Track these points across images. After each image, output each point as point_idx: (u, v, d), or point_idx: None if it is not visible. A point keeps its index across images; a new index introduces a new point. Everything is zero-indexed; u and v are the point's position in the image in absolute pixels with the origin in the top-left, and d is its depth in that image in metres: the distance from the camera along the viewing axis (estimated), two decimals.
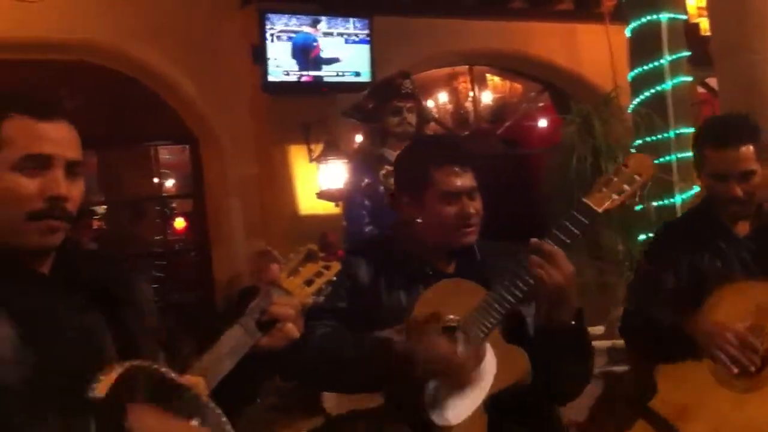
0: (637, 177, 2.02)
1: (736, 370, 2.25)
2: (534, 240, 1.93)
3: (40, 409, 1.32)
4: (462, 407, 1.91)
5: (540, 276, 1.88)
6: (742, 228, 2.51)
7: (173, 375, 1.44)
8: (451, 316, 1.97)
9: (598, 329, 4.45)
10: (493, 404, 1.93)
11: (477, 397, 1.92)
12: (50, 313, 1.48)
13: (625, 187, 2.01)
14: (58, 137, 1.50)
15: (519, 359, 1.95)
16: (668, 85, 4.63)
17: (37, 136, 1.48)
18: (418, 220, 2.13)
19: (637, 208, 4.61)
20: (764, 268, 2.41)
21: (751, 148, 2.41)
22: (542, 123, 8.42)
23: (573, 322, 1.93)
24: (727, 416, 2.24)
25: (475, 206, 2.11)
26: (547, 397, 2.05)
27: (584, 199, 1.99)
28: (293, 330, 1.63)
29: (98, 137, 6.08)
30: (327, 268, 1.72)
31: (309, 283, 1.70)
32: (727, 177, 2.42)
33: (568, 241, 1.94)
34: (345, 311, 2.08)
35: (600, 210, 1.98)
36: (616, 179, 2.02)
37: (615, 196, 2.00)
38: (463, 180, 2.10)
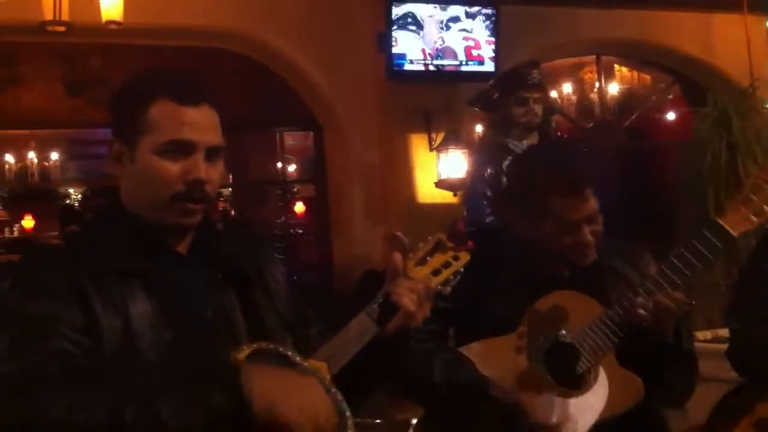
0: None
1: None
2: (660, 273, 1.85)
3: (171, 384, 1.35)
4: (570, 428, 1.86)
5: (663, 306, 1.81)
6: None
7: (298, 358, 1.47)
8: (565, 332, 1.91)
9: (725, 332, 4.26)
10: (601, 429, 1.87)
11: (582, 423, 1.86)
12: (186, 292, 1.54)
13: (767, 208, 1.82)
14: (201, 123, 1.55)
15: (633, 386, 1.87)
16: None
17: (181, 122, 1.53)
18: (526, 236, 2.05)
19: None
20: None
21: None
22: (671, 116, 8.12)
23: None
24: None
25: (596, 231, 1.99)
26: (653, 406, 1.98)
27: (719, 220, 1.83)
28: (416, 318, 1.62)
29: (228, 121, 6.25)
30: (456, 258, 1.70)
31: (437, 273, 1.68)
32: None
33: (699, 265, 1.81)
34: (460, 308, 2.03)
35: (736, 234, 1.81)
36: (756, 198, 1.83)
37: (753, 218, 1.82)
38: (584, 209, 1.96)
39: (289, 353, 1.47)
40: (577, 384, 1.89)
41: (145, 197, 1.55)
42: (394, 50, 6.25)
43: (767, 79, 4.68)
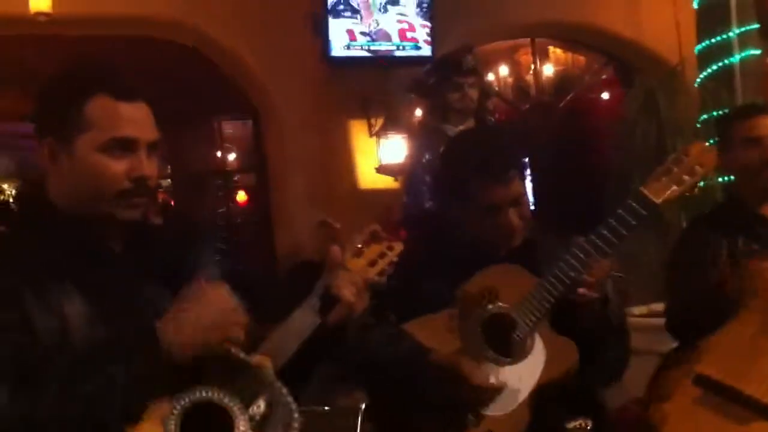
0: (698, 168, 1.96)
1: None
2: (585, 239, 1.93)
3: (113, 383, 1.37)
4: (506, 399, 1.92)
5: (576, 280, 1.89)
6: None
7: (241, 355, 1.48)
8: (501, 304, 1.97)
9: (661, 306, 4.39)
10: (539, 394, 1.94)
11: (522, 389, 1.92)
12: (121, 290, 1.54)
13: (686, 177, 1.94)
14: (140, 119, 1.56)
15: (568, 351, 1.95)
16: (736, 58, 4.51)
17: (120, 118, 1.53)
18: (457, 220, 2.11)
19: (701, 183, 4.53)
20: None
21: None
22: (606, 96, 8.27)
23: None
24: None
25: (523, 213, 2.05)
26: (590, 381, 2.06)
27: (642, 189, 1.94)
28: (356, 309, 1.66)
29: (163, 112, 6.17)
30: (390, 248, 1.73)
31: (373, 263, 1.71)
32: (761, 140, 2.47)
33: (624, 233, 1.91)
34: (397, 290, 2.06)
35: (659, 201, 1.92)
36: (676, 169, 1.95)
37: (674, 187, 1.94)
38: (507, 190, 2.02)
39: (232, 350, 1.48)
40: (515, 352, 1.95)
41: (87, 195, 1.55)
42: (330, 34, 6.23)
43: (692, 59, 4.80)
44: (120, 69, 1.63)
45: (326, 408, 3.88)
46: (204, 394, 1.42)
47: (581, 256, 1.92)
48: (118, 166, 1.53)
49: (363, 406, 3.31)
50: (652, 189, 1.94)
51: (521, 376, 1.93)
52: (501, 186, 2.01)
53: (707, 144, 2.10)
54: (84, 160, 1.52)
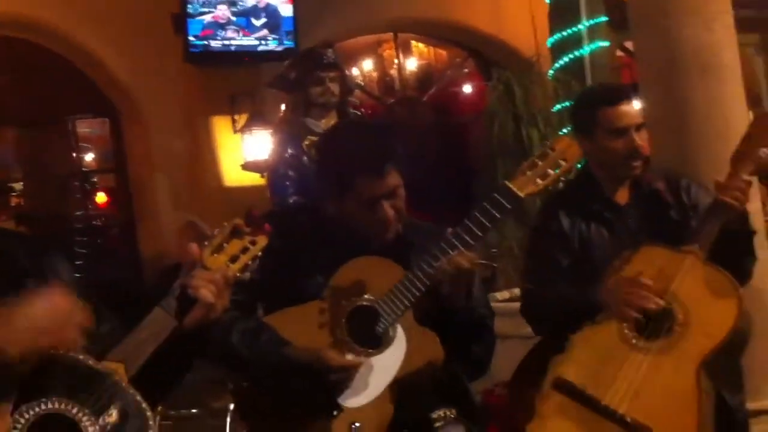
0: (562, 162, 2.00)
1: (637, 315, 2.24)
2: (451, 233, 1.95)
3: None
4: (369, 389, 1.93)
5: (456, 263, 1.91)
6: (621, 196, 2.57)
7: (91, 362, 1.42)
8: (367, 296, 1.98)
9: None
10: (401, 384, 1.95)
11: (384, 379, 1.94)
12: None
13: (550, 171, 1.99)
14: None
15: (430, 342, 1.97)
16: (586, 50, 4.70)
17: None
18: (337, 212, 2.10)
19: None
20: (651, 234, 2.45)
21: (637, 105, 2.54)
22: (468, 89, 8.46)
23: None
24: (646, 378, 2.22)
25: (395, 205, 2.05)
26: (455, 373, 2.09)
27: (507, 183, 1.98)
28: (216, 308, 1.60)
29: (14, 112, 5.88)
30: (253, 243, 1.68)
31: (234, 259, 1.66)
32: (627, 130, 2.48)
33: (489, 225, 1.94)
34: (266, 285, 2.06)
35: (523, 195, 1.96)
36: (541, 163, 2.00)
37: (539, 181, 1.98)
38: (386, 184, 2.02)
39: (81, 357, 1.41)
40: (378, 344, 1.96)
41: None
42: (191, 31, 6.09)
43: (547, 52, 4.98)
44: None
45: (194, 410, 3.80)
46: (49, 405, 1.35)
47: (446, 248, 1.94)
48: None
49: (232, 406, 3.26)
50: (517, 183, 1.98)
51: (383, 367, 1.94)
52: (378, 179, 2.00)
53: (570, 138, 2.14)
54: None
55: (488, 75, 6.09)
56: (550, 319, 2.48)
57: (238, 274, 1.66)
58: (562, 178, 2.03)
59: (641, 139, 2.52)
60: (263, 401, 2.02)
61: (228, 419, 3.42)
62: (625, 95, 2.56)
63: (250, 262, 1.68)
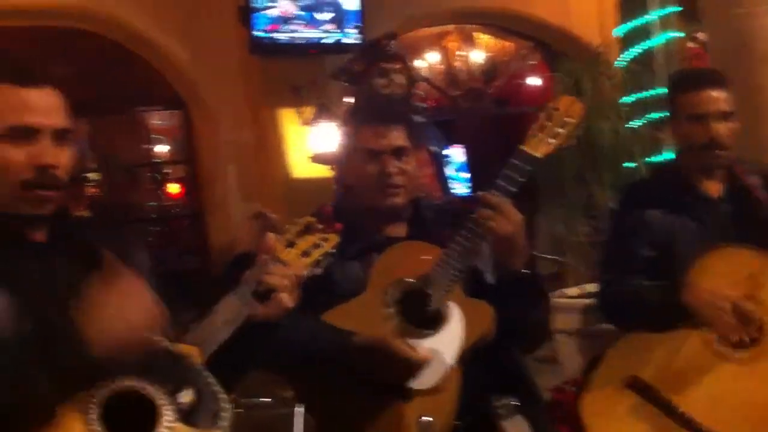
0: (569, 119, 2.03)
1: (734, 340, 2.19)
2: (480, 193, 1.97)
3: (38, 373, 1.34)
4: (434, 368, 1.93)
5: (490, 227, 1.92)
6: (713, 189, 2.46)
7: (167, 344, 1.46)
8: (410, 280, 1.99)
9: (593, 286, 4.48)
10: (464, 361, 1.95)
11: (448, 357, 1.94)
12: (46, 282, 1.50)
13: (559, 130, 2.01)
14: (44, 105, 1.49)
15: (484, 313, 1.99)
16: (657, 40, 4.61)
17: (21, 105, 1.47)
18: (347, 182, 2.16)
19: (628, 165, 4.63)
20: (743, 232, 2.35)
21: (724, 92, 2.42)
22: (534, 81, 8.38)
23: (526, 270, 1.99)
24: (727, 389, 2.16)
25: (400, 166, 2.10)
26: (513, 347, 2.09)
27: (522, 147, 2.01)
28: (288, 301, 1.64)
29: (89, 104, 6.05)
30: (325, 240, 1.72)
31: (306, 254, 1.70)
32: (706, 117, 2.39)
33: (513, 189, 1.97)
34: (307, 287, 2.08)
35: (539, 155, 1.99)
36: (549, 123, 2.02)
37: (551, 140, 2.01)
38: (387, 139, 2.10)
39: (158, 339, 1.46)
40: (433, 323, 1.97)
41: None
42: (257, 23, 6.16)
43: (615, 43, 4.90)
44: (23, 56, 1.57)
45: (263, 399, 3.87)
46: (127, 383, 1.39)
47: (478, 218, 1.96)
48: (18, 155, 1.47)
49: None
50: (531, 145, 2.00)
51: (444, 345, 1.95)
52: (379, 130, 2.10)
53: (572, 97, 2.14)
54: None
55: (554, 66, 6.02)
56: (629, 313, 2.42)
57: (309, 270, 1.70)
58: (573, 135, 2.06)
59: (725, 128, 2.40)
60: (329, 394, 2.02)
61: (296, 408, 3.48)
62: (709, 81, 2.46)
63: (321, 258, 1.72)
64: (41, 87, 1.50)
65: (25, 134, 1.48)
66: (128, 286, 1.43)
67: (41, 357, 1.36)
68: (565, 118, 2.03)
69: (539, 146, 2.00)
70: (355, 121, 2.21)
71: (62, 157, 1.51)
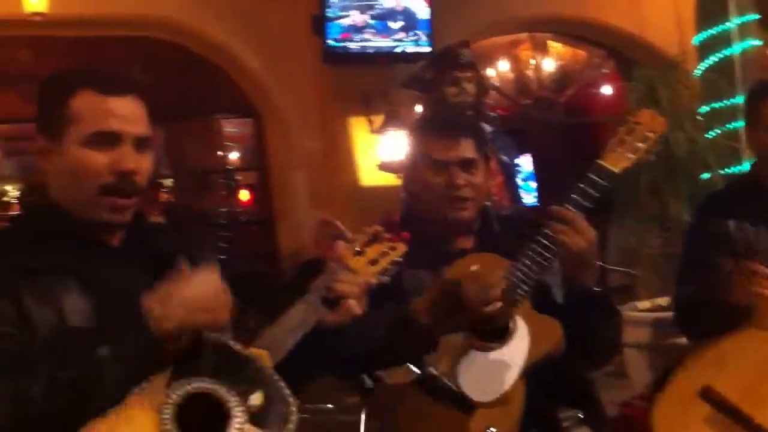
0: (650, 134, 1.98)
1: None
2: (554, 207, 1.92)
3: (111, 376, 1.37)
4: (499, 382, 1.91)
5: (563, 242, 1.88)
6: None
7: (239, 347, 1.48)
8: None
9: (665, 300, 4.39)
10: (528, 376, 1.93)
11: (513, 370, 1.92)
12: (121, 285, 1.53)
13: (639, 145, 1.97)
14: (126, 113, 1.54)
15: (551, 329, 1.95)
16: (736, 49, 4.49)
17: (104, 113, 1.52)
18: (413, 192, 2.15)
19: (705, 176, 4.51)
20: None
21: None
22: (607, 90, 8.25)
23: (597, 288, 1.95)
24: None
25: (468, 178, 2.08)
26: (581, 363, 2.05)
27: (600, 161, 1.97)
28: (357, 308, 1.65)
29: (164, 111, 6.18)
30: (392, 248, 1.73)
31: (374, 262, 1.71)
32: None
33: (589, 204, 1.93)
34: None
35: (617, 170, 1.94)
36: (629, 138, 1.97)
37: (630, 155, 1.96)
38: (455, 150, 2.08)
39: (230, 342, 1.48)
40: (500, 336, 1.95)
41: (73, 192, 1.55)
42: (329, 32, 6.22)
43: (693, 51, 4.78)
44: (107, 65, 1.62)
45: (330, 406, 3.88)
46: (200, 384, 1.41)
47: (551, 233, 1.92)
48: (100, 160, 1.51)
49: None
50: (609, 160, 1.96)
51: (509, 358, 1.93)
52: (446, 142, 2.09)
53: (653, 111, 2.08)
54: (69, 155, 1.52)
55: (628, 75, 5.91)
56: (707, 326, 2.33)
57: (378, 277, 1.71)
58: (652, 151, 2.00)
59: None
60: (395, 405, 2.01)
61: (363, 416, 3.47)
62: None
63: (389, 266, 1.73)
64: (124, 95, 1.55)
65: (108, 140, 1.52)
66: (197, 273, 1.47)
67: (103, 347, 1.40)
68: (647, 133, 1.98)
69: (618, 161, 1.96)
70: (424, 130, 2.21)
71: (142, 164, 1.56)
